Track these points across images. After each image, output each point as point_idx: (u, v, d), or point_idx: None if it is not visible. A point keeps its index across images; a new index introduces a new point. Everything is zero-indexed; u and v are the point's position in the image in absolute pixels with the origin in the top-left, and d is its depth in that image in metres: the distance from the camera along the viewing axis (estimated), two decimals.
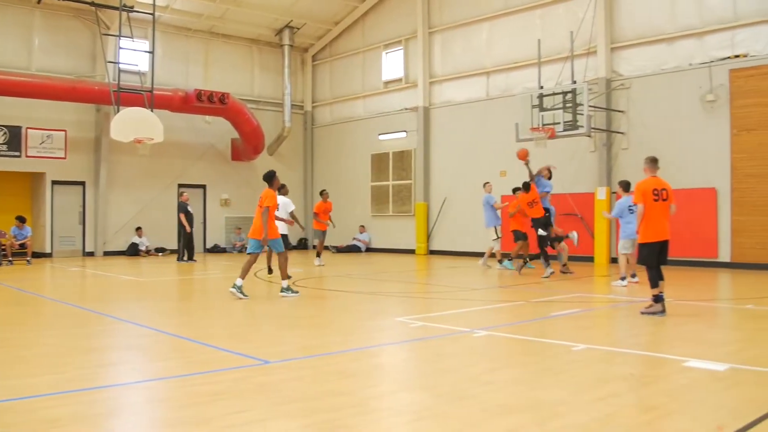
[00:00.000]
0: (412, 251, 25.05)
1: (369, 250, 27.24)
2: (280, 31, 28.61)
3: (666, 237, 9.87)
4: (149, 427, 4.90)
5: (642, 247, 10.00)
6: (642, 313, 9.57)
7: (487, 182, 19.12)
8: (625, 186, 14.14)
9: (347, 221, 26.92)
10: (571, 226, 20.59)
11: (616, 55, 20.20)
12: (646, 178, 10.02)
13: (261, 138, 27.03)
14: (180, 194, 22.58)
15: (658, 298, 9.52)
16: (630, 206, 13.16)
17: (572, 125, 18.55)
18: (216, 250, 27.02)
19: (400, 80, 26.69)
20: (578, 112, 18.42)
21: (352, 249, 26.84)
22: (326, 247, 25.86)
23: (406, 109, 26.01)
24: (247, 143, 27.04)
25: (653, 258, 9.72)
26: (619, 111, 19.94)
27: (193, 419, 4.85)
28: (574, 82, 18.88)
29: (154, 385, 6.06)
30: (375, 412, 5.14)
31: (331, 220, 19.98)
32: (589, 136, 19.14)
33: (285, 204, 14.58)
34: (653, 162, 10.10)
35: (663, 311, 9.42)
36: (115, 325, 9.59)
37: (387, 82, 27.29)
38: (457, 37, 24.62)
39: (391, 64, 27.14)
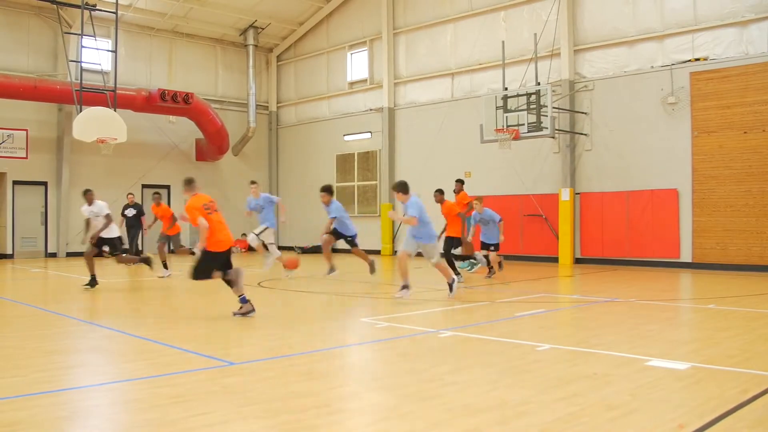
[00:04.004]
0: (377, 252, 25.08)
1: (335, 250, 27.05)
2: (244, 31, 28.49)
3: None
4: (112, 430, 4.85)
5: None
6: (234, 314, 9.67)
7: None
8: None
9: (313, 222, 26.88)
10: (535, 226, 20.83)
11: (579, 57, 20.43)
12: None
13: (225, 138, 26.89)
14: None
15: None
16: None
17: (536, 126, 18.70)
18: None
19: (365, 81, 26.72)
20: (542, 113, 18.59)
21: (318, 249, 26.74)
22: (291, 248, 25.77)
23: (371, 109, 26.06)
24: (212, 143, 26.88)
25: None
26: (582, 113, 20.16)
27: (157, 421, 4.81)
28: (538, 84, 19.05)
29: (118, 387, 5.99)
30: (340, 412, 5.14)
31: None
32: (552, 137, 19.32)
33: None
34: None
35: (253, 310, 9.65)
36: (77, 326, 9.47)
37: (352, 83, 27.30)
38: (422, 38, 24.71)
39: (356, 64, 27.16)
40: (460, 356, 7.20)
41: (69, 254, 24.23)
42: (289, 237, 28.82)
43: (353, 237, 15.34)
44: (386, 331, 8.68)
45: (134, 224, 19.90)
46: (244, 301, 9.61)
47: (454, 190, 17.14)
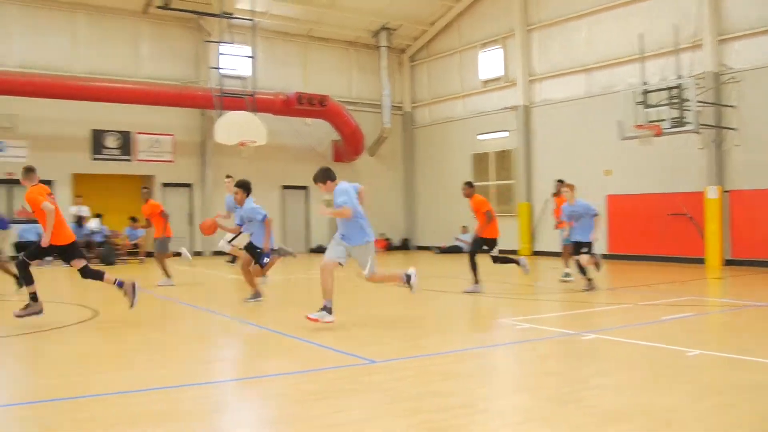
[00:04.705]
0: (514, 251, 24.74)
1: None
2: (377, 33, 28.74)
3: None
4: (255, 424, 4.97)
5: None
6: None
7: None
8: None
9: (449, 222, 26.86)
10: (678, 226, 19.95)
11: (724, 47, 19.40)
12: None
13: (361, 139, 27.24)
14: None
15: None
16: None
17: (679, 122, 17.92)
18: (321, 250, 27.21)
19: (498, 79, 26.39)
20: (685, 107, 17.80)
21: (455, 250, 26.67)
22: (428, 248, 25.78)
23: (506, 108, 25.72)
24: (348, 144, 27.31)
25: None
26: (730, 106, 19.15)
27: (301, 416, 4.91)
28: (680, 77, 18.26)
29: (260, 382, 6.15)
30: (481, 413, 5.08)
31: None
32: (697, 132, 18.45)
33: None
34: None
35: None
36: (223, 322, 9.79)
37: (485, 81, 27.03)
38: (556, 35, 24.16)
39: (489, 63, 26.86)
40: (604, 360, 6.98)
41: (214, 253, 25.06)
42: (425, 237, 28.95)
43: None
44: (526, 332, 8.51)
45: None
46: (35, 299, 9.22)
47: (554, 193, 16.38)
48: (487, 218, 12.67)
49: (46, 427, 4.75)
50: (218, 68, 23.05)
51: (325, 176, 9.02)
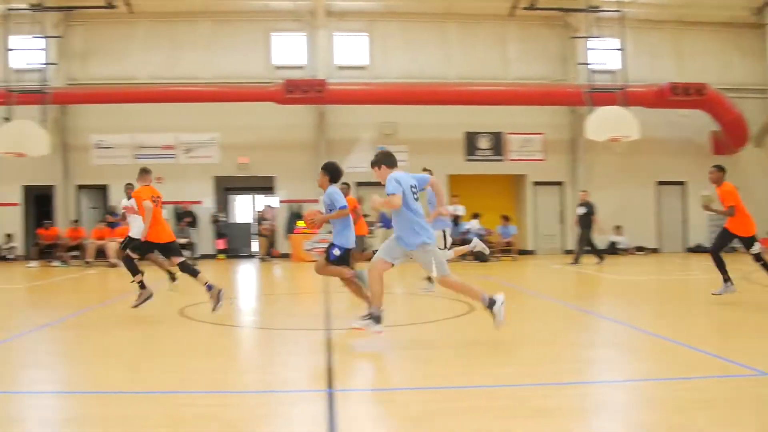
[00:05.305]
0: None
1: None
2: (760, 10, 26.22)
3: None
4: (632, 428, 4.73)
5: None
6: None
7: None
8: None
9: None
10: None
11: None
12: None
13: (744, 129, 25.06)
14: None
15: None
16: None
17: None
18: (699, 250, 25.53)
19: None
20: None
21: None
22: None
23: None
24: (729, 135, 25.25)
25: None
26: None
27: (681, 427, 4.58)
28: None
29: (636, 385, 5.86)
30: None
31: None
32: None
33: None
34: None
35: None
36: (594, 321, 9.57)
37: None
38: None
39: None
40: None
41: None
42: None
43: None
44: None
45: (586, 223, 19.76)
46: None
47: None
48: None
49: (397, 415, 4.95)
50: (587, 64, 22.80)
51: (380, 160, 7.71)
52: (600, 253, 19.86)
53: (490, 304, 7.33)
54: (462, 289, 7.54)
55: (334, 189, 8.80)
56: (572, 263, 19.13)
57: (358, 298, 8.88)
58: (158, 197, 10.21)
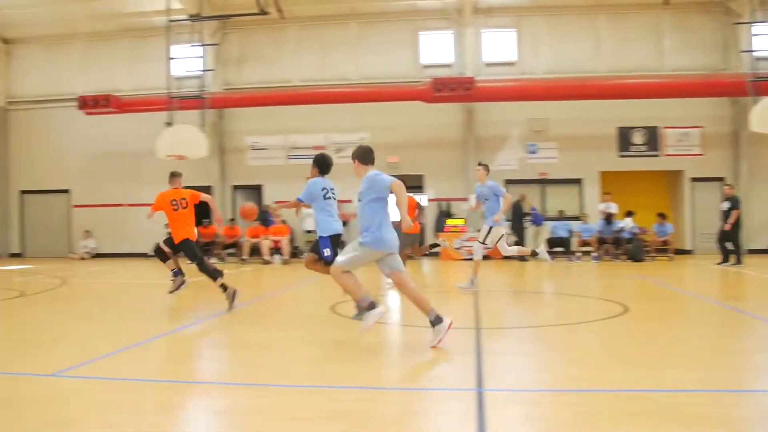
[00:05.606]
0: None
1: None
2: None
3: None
4: None
5: None
6: None
7: None
8: None
9: None
10: None
11: None
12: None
13: None
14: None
15: None
16: None
17: None
18: None
19: None
20: None
21: None
22: None
23: None
24: None
25: None
26: None
27: None
28: None
29: None
30: None
31: None
32: None
33: None
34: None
35: None
36: (759, 327, 9.01)
37: None
38: None
39: None
40: None
41: (751, 251, 23.32)
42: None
43: None
44: None
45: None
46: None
47: None
48: None
49: (548, 417, 4.79)
50: (751, 51, 21.50)
51: (354, 154, 7.40)
52: (739, 256, 18.71)
53: (370, 307, 7.21)
54: (347, 287, 7.38)
55: (315, 180, 9.30)
56: (734, 264, 18.16)
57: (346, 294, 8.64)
58: (182, 199, 10.77)
